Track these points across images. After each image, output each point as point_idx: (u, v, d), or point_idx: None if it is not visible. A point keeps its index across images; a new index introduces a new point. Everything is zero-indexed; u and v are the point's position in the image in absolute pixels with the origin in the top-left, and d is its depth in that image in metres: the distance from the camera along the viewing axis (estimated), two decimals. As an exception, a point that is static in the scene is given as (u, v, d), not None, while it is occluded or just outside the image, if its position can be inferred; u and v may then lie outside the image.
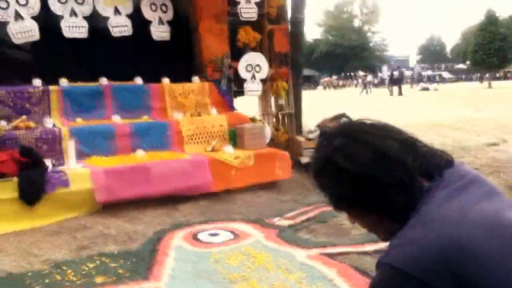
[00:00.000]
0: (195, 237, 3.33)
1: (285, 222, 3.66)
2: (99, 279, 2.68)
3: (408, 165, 1.06)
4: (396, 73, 30.78)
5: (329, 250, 2.97)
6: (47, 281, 2.70)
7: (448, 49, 70.60)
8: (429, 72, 51.78)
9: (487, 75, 36.54)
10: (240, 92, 6.24)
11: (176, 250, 3.08)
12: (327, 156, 1.11)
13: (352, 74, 54.61)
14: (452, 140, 8.10)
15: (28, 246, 3.38)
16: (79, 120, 4.95)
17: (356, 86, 43.65)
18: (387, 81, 34.08)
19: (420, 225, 0.99)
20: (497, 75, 44.40)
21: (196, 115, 5.41)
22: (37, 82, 4.97)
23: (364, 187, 1.06)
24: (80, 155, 4.58)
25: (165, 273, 2.68)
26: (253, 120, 5.71)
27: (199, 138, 5.19)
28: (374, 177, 1.05)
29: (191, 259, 2.90)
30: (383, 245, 1.21)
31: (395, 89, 27.95)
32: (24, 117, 4.66)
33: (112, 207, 4.21)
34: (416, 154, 1.08)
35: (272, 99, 6.42)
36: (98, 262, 2.97)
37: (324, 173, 1.12)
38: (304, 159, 5.72)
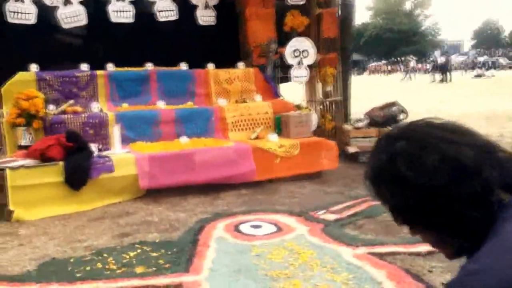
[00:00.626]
0: (236, 228, 3.24)
1: (330, 216, 3.49)
2: (139, 269, 2.64)
3: (485, 175, 0.88)
4: (442, 58, 29.36)
5: (378, 249, 2.79)
6: (88, 268, 2.69)
7: (506, 33, 66.78)
8: (485, 58, 49.21)
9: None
10: (286, 79, 6.08)
11: (217, 241, 3.00)
12: (387, 161, 0.95)
13: (401, 59, 52.81)
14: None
15: (72, 231, 3.41)
16: (124, 105, 4.96)
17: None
18: (431, 67, 32.64)
19: (500, 252, 0.82)
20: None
21: (241, 101, 5.31)
22: (84, 67, 5.01)
23: (430, 200, 0.90)
24: (125, 141, 4.59)
25: (205, 266, 2.60)
26: (298, 107, 5.54)
27: (243, 126, 5.09)
28: (442, 189, 0.88)
29: (232, 252, 2.81)
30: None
31: (439, 76, 26.74)
32: (71, 101, 4.72)
33: (155, 194, 4.21)
34: (494, 162, 0.90)
35: (319, 86, 6.22)
36: (139, 250, 2.93)
37: (382, 181, 0.96)
38: (352, 149, 5.51)
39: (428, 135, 0.94)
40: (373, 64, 52.33)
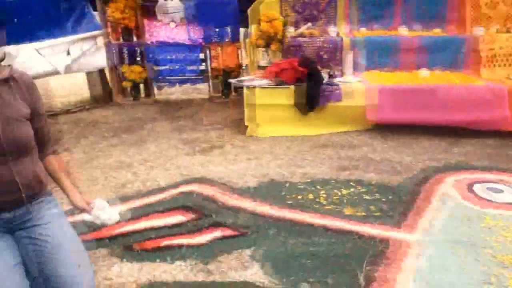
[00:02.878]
0: (470, 187, 2.72)
1: None
2: (347, 210, 2.49)
3: None
4: None
5: None
6: (299, 197, 2.69)
7: None
8: None
9: None
10: None
11: (441, 198, 2.59)
12: None
13: None
14: None
15: (294, 155, 3.46)
16: (362, 30, 4.64)
17: None
18: None
19: None
20: None
21: (504, 31, 4.32)
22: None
23: None
24: (359, 68, 4.34)
25: (420, 226, 2.27)
26: None
27: (501, 61, 4.17)
28: None
29: (457, 216, 2.38)
30: None
31: None
32: (309, 24, 4.64)
33: (382, 129, 3.92)
34: None
35: None
36: (352, 189, 2.78)
37: None
38: None
39: None
40: None
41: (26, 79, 1.74)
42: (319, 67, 4.12)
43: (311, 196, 2.70)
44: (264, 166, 3.24)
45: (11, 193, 1.64)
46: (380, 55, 4.35)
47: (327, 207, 2.55)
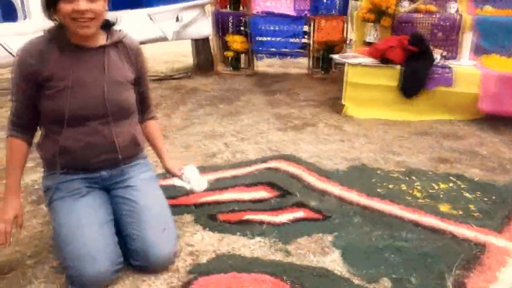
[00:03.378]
0: None
1: None
2: (443, 207, 2.30)
3: None
4: None
5: None
6: (391, 186, 2.54)
7: None
8: None
9: None
10: None
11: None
12: None
13: None
14: None
15: (391, 140, 3.28)
16: (487, 7, 4.18)
17: None
18: None
19: None
20: None
21: None
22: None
23: None
24: (477, 51, 3.95)
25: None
26: None
27: None
28: None
29: None
30: None
31: None
32: (427, -1, 4.28)
33: (495, 121, 3.55)
34: None
35: None
36: (451, 184, 2.56)
37: None
38: None
39: None
40: None
41: (134, 45, 1.82)
42: (431, 47, 3.81)
43: (404, 187, 2.53)
44: (357, 149, 3.11)
45: (109, 152, 1.74)
46: (503, 38, 3.90)
47: (420, 201, 2.38)
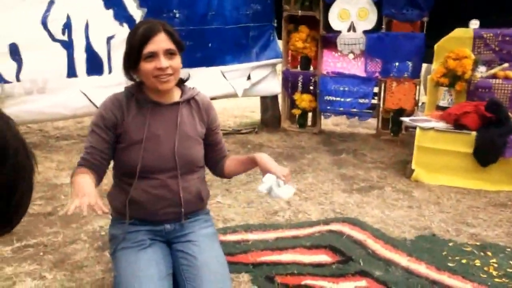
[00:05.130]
0: None
1: None
2: (524, 290, 2.09)
3: None
4: None
5: None
6: (463, 261, 2.35)
7: None
8: None
9: None
10: None
11: None
12: None
13: None
14: None
15: (464, 210, 3.08)
16: None
17: None
18: None
19: None
20: None
21: None
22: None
23: None
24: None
25: None
26: None
27: None
28: None
29: None
30: None
31: None
32: (506, 65, 4.12)
33: None
34: None
35: None
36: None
37: None
38: None
39: None
40: None
41: (205, 101, 1.88)
42: (510, 114, 3.62)
43: (478, 263, 2.34)
44: (427, 217, 2.95)
45: (174, 206, 1.77)
46: None
47: (496, 280, 2.17)
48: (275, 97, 5.46)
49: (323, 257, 2.34)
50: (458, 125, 3.62)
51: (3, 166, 0.55)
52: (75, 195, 1.44)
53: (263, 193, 1.65)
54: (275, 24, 5.15)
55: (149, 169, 1.68)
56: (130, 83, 1.79)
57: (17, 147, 0.58)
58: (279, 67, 5.40)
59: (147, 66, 1.62)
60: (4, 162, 0.56)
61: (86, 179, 1.56)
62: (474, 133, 3.54)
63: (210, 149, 1.87)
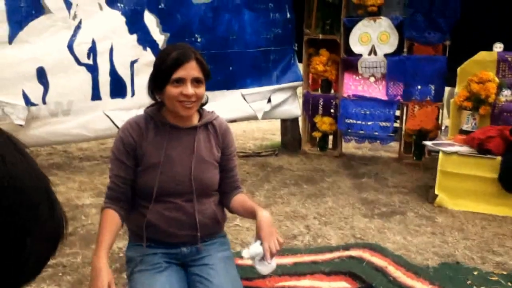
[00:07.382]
0: None
1: None
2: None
3: None
4: None
5: None
6: (489, 291, 2.27)
7: None
8: None
9: None
10: None
11: None
12: None
13: None
14: None
15: (490, 238, 2.98)
16: None
17: None
18: None
19: None
20: None
21: None
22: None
23: None
24: None
25: None
26: None
27: None
28: None
29: None
30: None
31: None
32: (530, 89, 4.04)
33: None
34: None
35: None
36: None
37: None
38: None
39: None
40: None
41: (223, 125, 1.88)
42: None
43: (506, 293, 2.25)
44: (450, 244, 2.87)
45: (190, 229, 1.76)
46: None
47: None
48: (295, 120, 5.45)
49: (342, 284, 2.29)
50: (482, 149, 3.54)
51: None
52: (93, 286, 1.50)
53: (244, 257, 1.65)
54: (296, 48, 5.18)
55: (166, 192, 1.69)
56: (151, 104, 1.81)
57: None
58: (300, 90, 5.41)
59: (173, 90, 1.64)
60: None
61: (104, 266, 1.53)
62: (498, 158, 3.46)
63: (221, 176, 1.84)
